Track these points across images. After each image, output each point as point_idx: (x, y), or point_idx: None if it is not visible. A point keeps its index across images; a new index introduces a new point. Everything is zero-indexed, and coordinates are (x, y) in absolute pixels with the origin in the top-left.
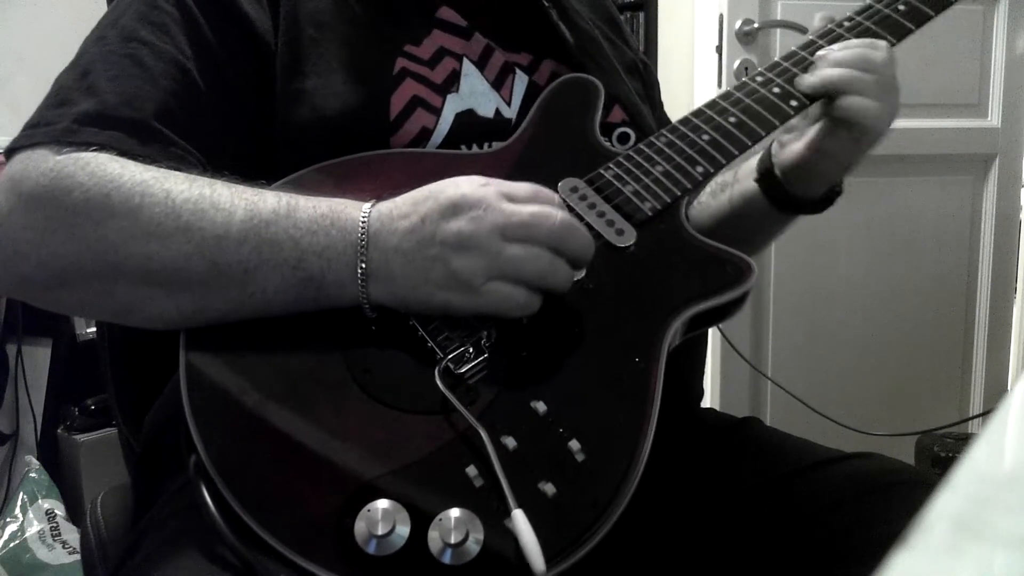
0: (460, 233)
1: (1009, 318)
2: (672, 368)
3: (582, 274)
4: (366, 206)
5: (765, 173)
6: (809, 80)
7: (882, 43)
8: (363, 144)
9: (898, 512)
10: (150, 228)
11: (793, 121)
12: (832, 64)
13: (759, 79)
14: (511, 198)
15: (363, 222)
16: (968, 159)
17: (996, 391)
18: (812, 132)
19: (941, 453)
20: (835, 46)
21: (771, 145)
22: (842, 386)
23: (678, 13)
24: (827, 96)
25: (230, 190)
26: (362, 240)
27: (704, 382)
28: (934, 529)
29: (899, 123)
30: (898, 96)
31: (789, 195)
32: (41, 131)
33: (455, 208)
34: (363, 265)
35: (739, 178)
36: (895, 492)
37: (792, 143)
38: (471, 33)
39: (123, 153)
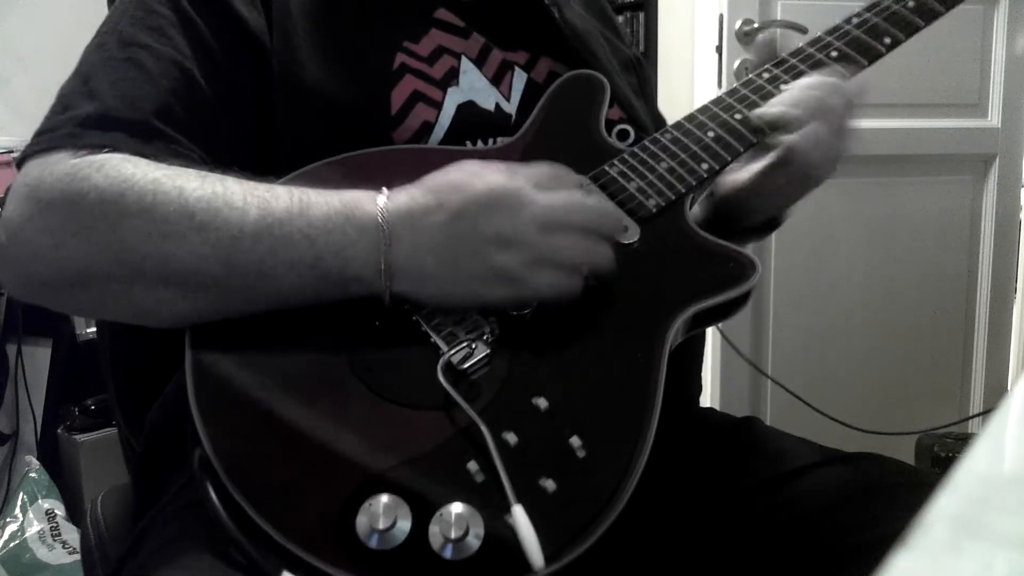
0: (500, 231)
1: (1009, 318)
2: (671, 365)
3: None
4: (380, 199)
5: (706, 197)
6: (759, 112)
7: (848, 85)
8: (364, 139)
9: (898, 513)
10: (164, 228)
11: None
12: (785, 103)
13: (765, 75)
14: (539, 186)
15: (382, 217)
16: (968, 159)
17: (996, 391)
18: (756, 167)
19: (941, 453)
20: (798, 82)
21: None
22: (842, 385)
23: (678, 13)
24: (776, 130)
25: (242, 187)
26: (384, 238)
27: (704, 381)
28: (934, 529)
29: (899, 123)
30: (847, 139)
31: (731, 221)
32: (46, 138)
33: (489, 203)
34: (386, 262)
35: None
36: (895, 492)
37: (733, 174)
38: (469, 32)
39: (133, 153)
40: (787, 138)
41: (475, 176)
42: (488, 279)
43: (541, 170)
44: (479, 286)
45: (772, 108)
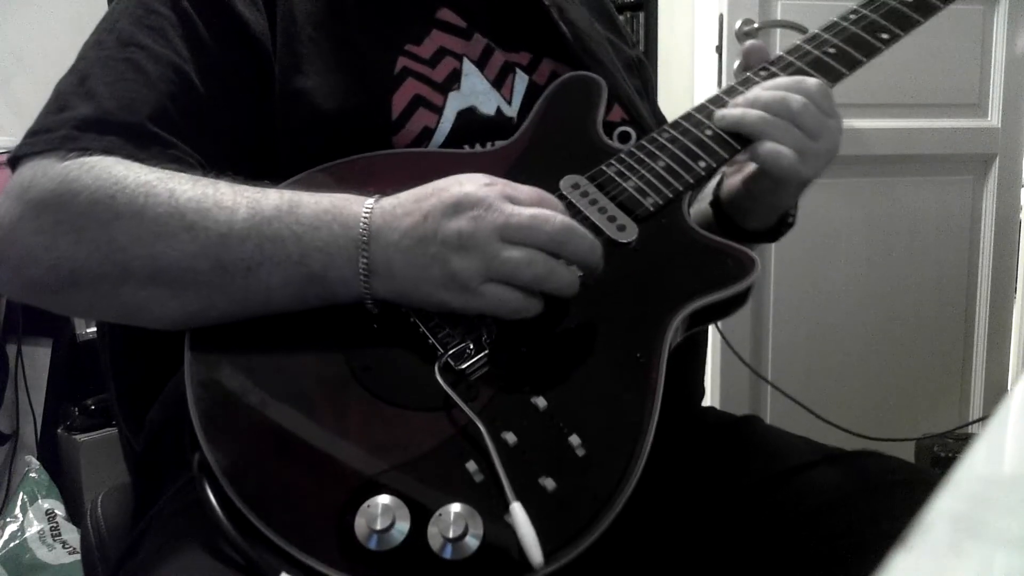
0: (460, 233)
1: (1009, 318)
2: (673, 366)
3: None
4: (369, 201)
5: (715, 200)
6: (722, 114)
7: (812, 82)
8: (365, 144)
9: (898, 511)
10: (155, 228)
11: (739, 156)
12: (747, 104)
13: (763, 73)
14: (513, 199)
15: (365, 218)
16: (968, 159)
17: (996, 392)
18: (748, 170)
19: (941, 453)
20: (765, 84)
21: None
22: (841, 386)
23: (678, 13)
24: (739, 136)
25: (233, 189)
26: (363, 236)
27: (704, 381)
28: (934, 529)
29: (899, 123)
30: (830, 139)
31: (736, 224)
32: (42, 138)
33: (457, 206)
34: (364, 261)
35: (700, 198)
36: (895, 491)
37: (731, 176)
38: (471, 33)
39: (129, 157)
40: (756, 146)
41: (454, 183)
42: (445, 283)
43: (523, 187)
44: (436, 289)
45: (732, 110)
